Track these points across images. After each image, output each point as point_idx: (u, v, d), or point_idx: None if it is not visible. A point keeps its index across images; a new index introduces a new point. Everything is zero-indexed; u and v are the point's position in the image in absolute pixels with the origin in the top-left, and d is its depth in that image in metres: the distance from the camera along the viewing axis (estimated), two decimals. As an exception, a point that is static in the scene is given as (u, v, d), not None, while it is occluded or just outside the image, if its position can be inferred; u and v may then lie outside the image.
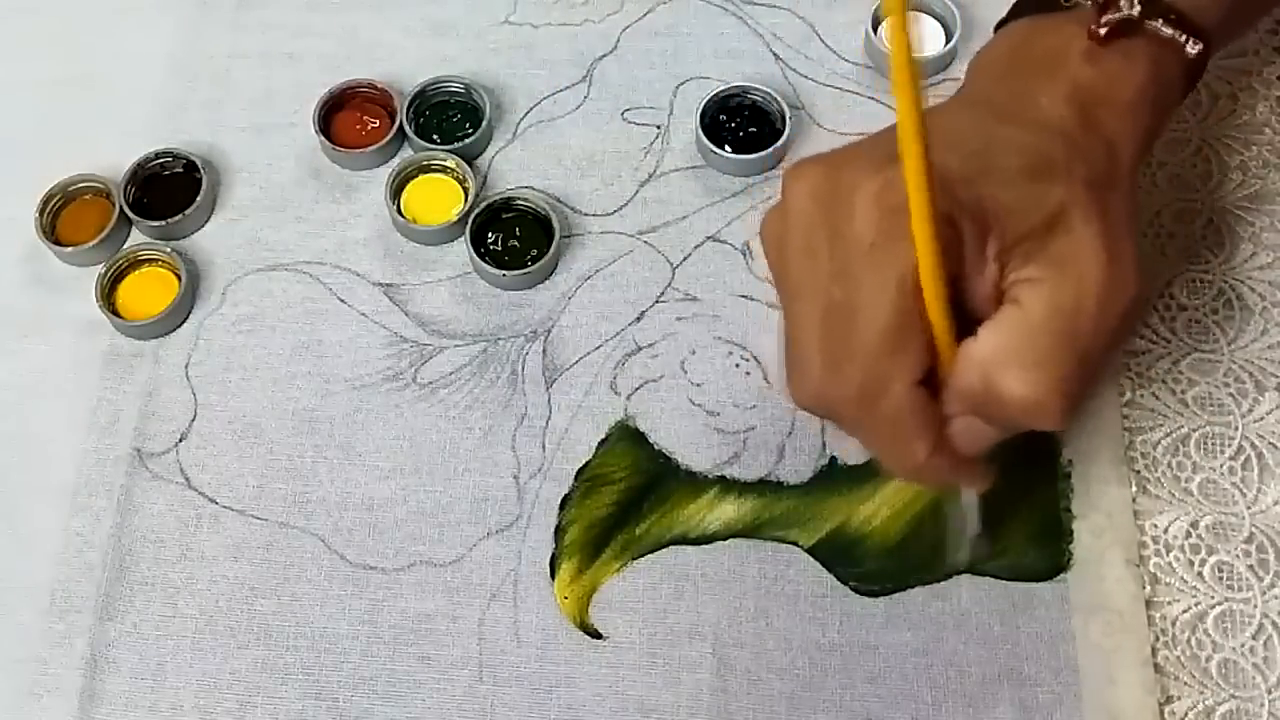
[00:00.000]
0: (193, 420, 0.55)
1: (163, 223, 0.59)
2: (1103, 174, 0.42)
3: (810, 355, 0.41)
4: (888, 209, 0.39)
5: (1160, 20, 0.45)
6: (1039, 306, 0.40)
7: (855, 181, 0.40)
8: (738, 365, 0.55)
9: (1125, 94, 0.44)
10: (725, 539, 0.52)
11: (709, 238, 0.58)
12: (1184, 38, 0.45)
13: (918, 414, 0.41)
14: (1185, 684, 0.49)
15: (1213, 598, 0.50)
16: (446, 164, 0.60)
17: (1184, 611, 0.50)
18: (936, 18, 0.62)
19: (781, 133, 0.59)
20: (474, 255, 0.57)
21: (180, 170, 0.60)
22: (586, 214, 0.59)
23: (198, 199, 0.59)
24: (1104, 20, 0.44)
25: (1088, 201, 0.41)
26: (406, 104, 0.61)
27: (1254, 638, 0.49)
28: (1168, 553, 0.51)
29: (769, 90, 0.60)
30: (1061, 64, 0.44)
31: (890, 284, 0.39)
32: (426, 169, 0.60)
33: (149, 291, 0.58)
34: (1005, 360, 0.40)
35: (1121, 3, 0.44)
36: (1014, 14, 0.49)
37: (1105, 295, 0.40)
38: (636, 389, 0.55)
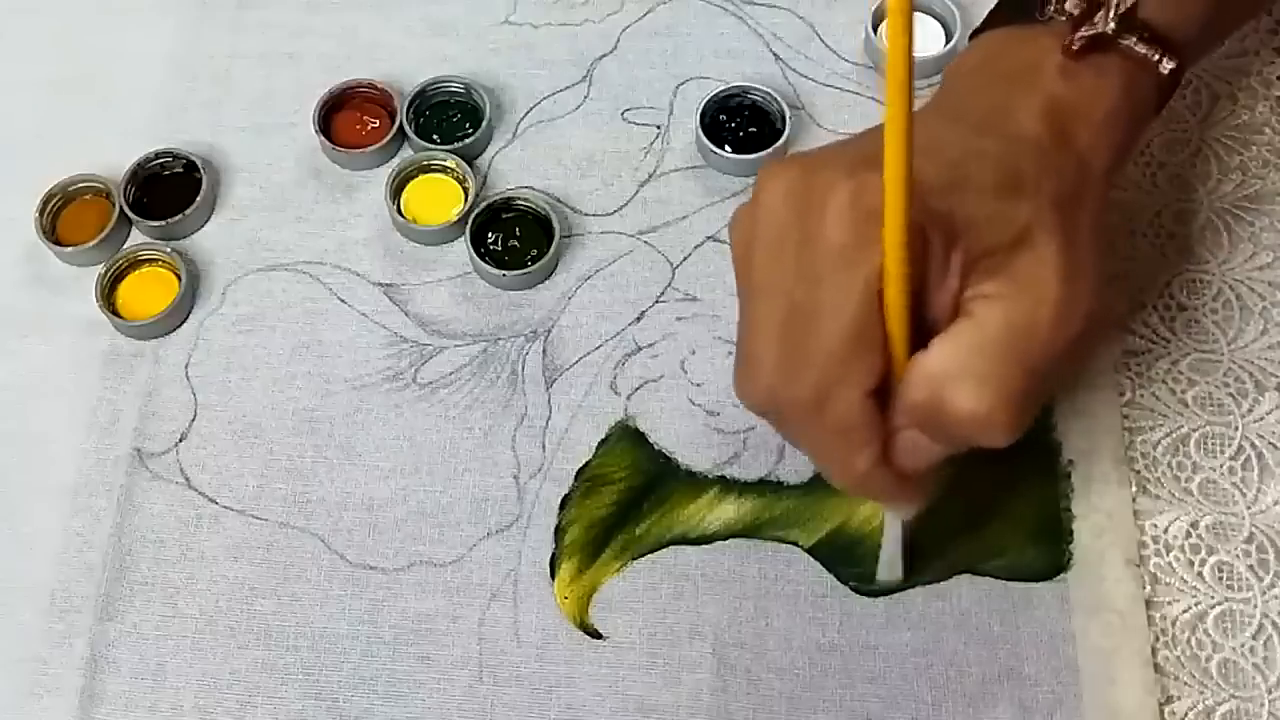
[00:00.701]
0: (193, 420, 0.55)
1: (163, 223, 0.59)
2: (1071, 190, 0.42)
3: (764, 356, 0.41)
4: (861, 213, 0.39)
5: (1134, 38, 0.44)
6: (993, 322, 0.40)
7: (830, 183, 0.40)
8: (738, 365, 0.55)
9: (1098, 110, 0.44)
10: (725, 539, 0.52)
11: (709, 238, 0.58)
12: (1157, 55, 0.44)
13: (866, 424, 0.40)
14: (1185, 684, 0.49)
15: (1213, 598, 0.50)
16: (446, 164, 0.60)
17: (1184, 611, 0.50)
18: (936, 18, 0.62)
19: (781, 133, 0.59)
20: (474, 255, 0.57)
21: (180, 170, 0.60)
22: (586, 214, 0.59)
23: (198, 199, 0.59)
24: (1078, 36, 0.44)
25: (1053, 219, 0.40)
26: (406, 104, 0.61)
27: (1254, 638, 0.49)
28: (1168, 553, 0.51)
29: (769, 90, 0.60)
30: (1036, 77, 0.44)
31: (855, 288, 0.39)
32: (426, 169, 0.60)
33: (149, 291, 0.58)
34: (955, 374, 0.39)
35: (1096, 19, 0.44)
36: (989, 23, 0.49)
37: (1059, 314, 0.40)
38: (636, 389, 0.55)
